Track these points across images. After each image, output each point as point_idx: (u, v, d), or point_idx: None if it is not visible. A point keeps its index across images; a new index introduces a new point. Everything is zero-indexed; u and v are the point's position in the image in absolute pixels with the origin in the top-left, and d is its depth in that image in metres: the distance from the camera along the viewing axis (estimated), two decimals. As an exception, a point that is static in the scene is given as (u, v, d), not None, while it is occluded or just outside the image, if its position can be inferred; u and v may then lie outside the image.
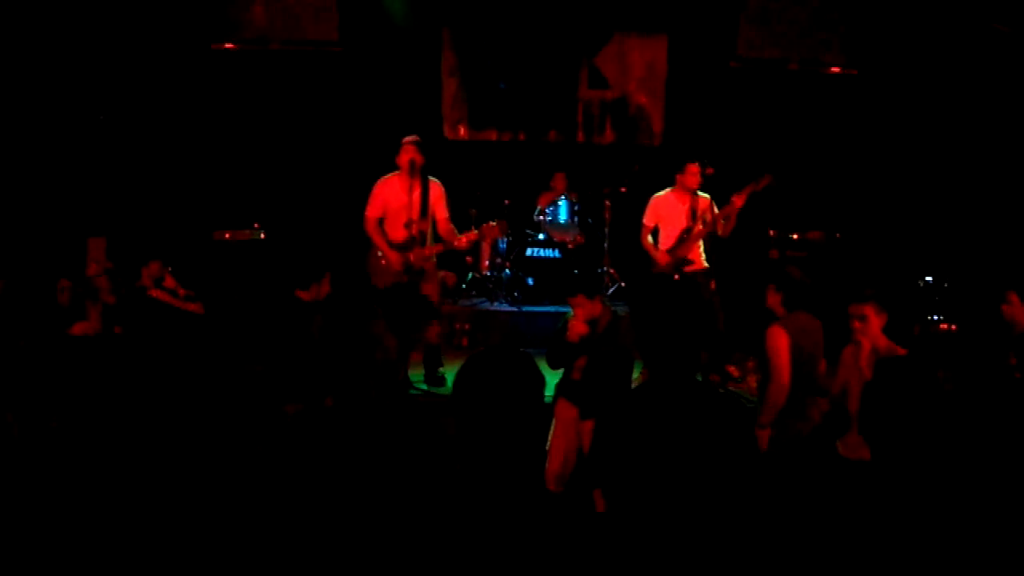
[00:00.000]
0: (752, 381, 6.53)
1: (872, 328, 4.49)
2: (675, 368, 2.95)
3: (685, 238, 6.90)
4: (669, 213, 6.99)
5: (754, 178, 6.66)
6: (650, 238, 7.06)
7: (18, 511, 2.43)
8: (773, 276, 5.10)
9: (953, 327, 7.62)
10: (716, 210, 6.86)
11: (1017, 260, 7.71)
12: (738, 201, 6.68)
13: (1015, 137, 8.38)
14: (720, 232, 6.85)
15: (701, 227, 6.86)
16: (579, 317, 5.27)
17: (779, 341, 4.73)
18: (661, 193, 7.09)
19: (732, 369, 6.95)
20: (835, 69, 9.23)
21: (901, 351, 4.42)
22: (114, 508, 2.50)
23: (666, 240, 7.00)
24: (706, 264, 6.99)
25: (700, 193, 6.95)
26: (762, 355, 4.91)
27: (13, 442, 3.54)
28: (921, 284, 8.08)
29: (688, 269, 6.92)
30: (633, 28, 9.76)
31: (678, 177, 6.94)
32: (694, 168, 6.86)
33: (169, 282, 7.01)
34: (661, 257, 6.94)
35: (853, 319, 4.56)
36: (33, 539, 2.37)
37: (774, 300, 5.00)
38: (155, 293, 6.89)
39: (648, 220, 7.07)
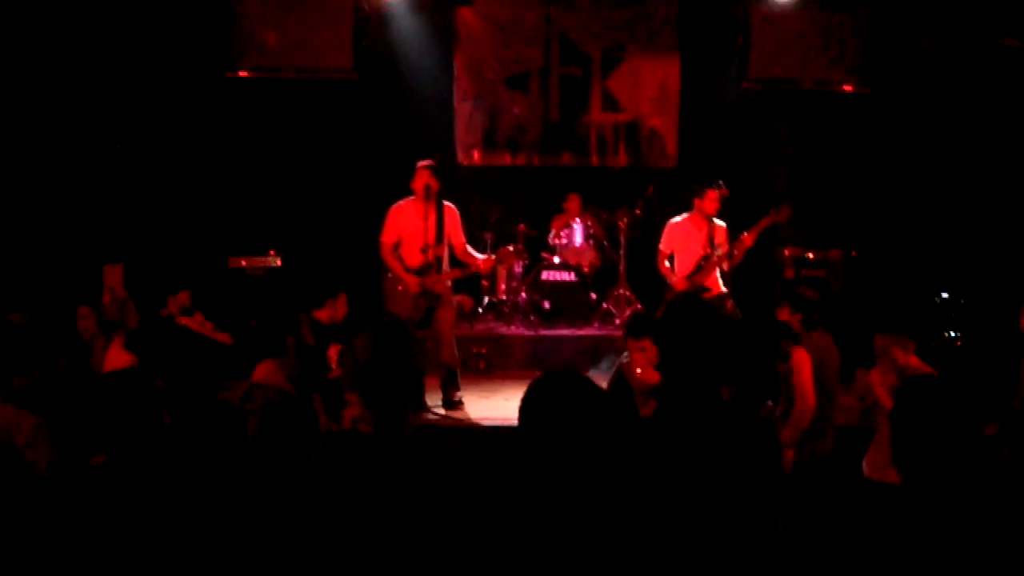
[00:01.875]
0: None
1: (898, 361, 4.50)
2: (703, 389, 2.92)
3: (703, 266, 6.78)
4: (686, 240, 6.88)
5: (770, 207, 6.59)
6: (667, 263, 6.99)
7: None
8: (787, 297, 5.11)
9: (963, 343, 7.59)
10: (729, 242, 6.77)
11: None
12: (748, 240, 6.63)
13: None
14: (725, 267, 6.80)
15: (718, 257, 6.74)
16: (640, 362, 4.46)
17: (802, 362, 4.73)
18: (678, 219, 6.98)
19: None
20: (848, 88, 9.25)
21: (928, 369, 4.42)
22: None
23: (683, 267, 6.88)
24: (723, 289, 6.88)
25: (717, 220, 6.86)
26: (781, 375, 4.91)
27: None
28: (938, 300, 8.06)
29: (705, 296, 6.83)
30: (645, 49, 9.77)
31: (696, 202, 6.81)
32: (713, 194, 6.72)
33: (198, 316, 6.97)
34: (679, 283, 6.82)
35: (879, 350, 4.57)
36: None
37: (791, 321, 5.00)
38: (183, 321, 6.86)
39: (664, 246, 6.97)
